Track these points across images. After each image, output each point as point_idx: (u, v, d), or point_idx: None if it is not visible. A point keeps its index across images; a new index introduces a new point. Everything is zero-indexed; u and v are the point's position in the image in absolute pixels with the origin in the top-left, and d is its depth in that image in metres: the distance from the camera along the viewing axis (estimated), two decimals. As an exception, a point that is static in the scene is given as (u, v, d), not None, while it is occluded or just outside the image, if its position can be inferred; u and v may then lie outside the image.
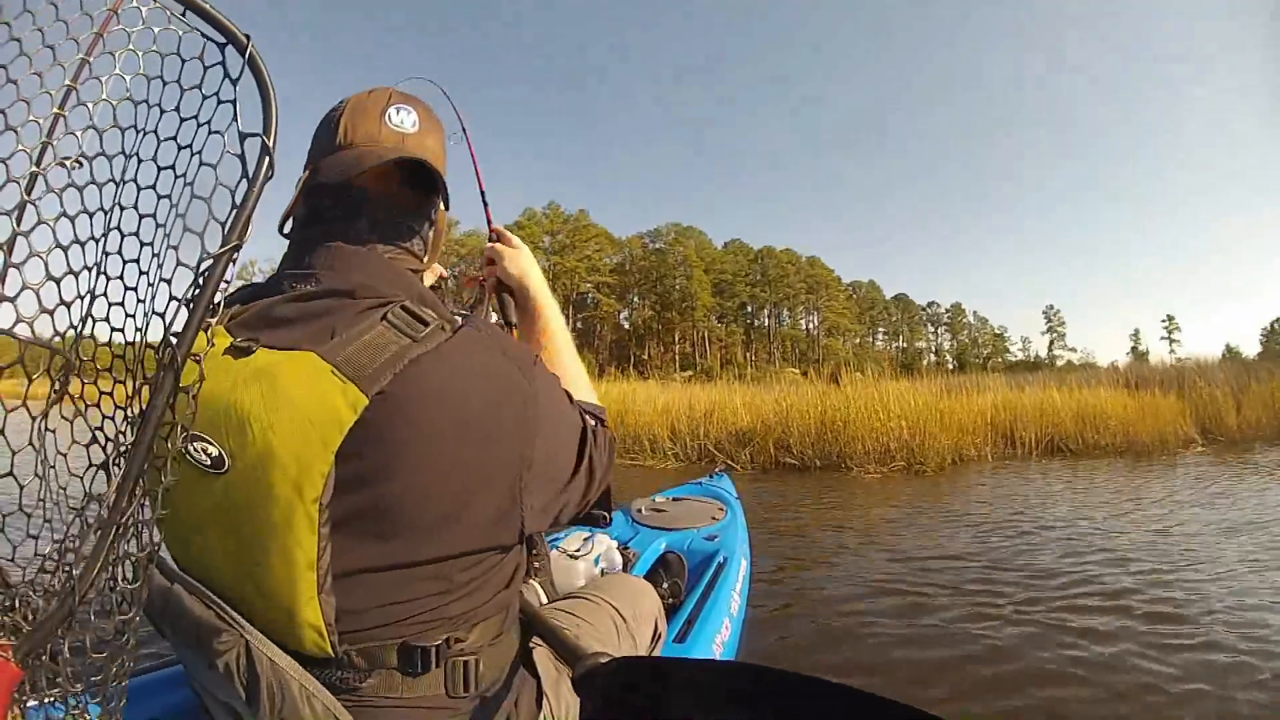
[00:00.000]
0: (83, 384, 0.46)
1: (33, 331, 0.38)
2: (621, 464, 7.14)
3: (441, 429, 0.54)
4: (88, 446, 0.48)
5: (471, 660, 0.61)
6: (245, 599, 0.56)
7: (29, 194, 0.39)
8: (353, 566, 0.55)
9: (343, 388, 0.52)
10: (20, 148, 0.39)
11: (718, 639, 1.40)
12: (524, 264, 0.96)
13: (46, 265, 0.39)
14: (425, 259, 0.73)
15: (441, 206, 0.74)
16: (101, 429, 0.48)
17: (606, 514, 0.78)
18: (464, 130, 1.05)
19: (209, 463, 0.53)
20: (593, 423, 0.73)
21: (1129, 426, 7.80)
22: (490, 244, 1.00)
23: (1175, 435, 7.84)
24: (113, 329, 0.48)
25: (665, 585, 1.60)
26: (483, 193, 1.12)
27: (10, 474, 0.45)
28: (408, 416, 0.53)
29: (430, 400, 0.54)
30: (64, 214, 0.41)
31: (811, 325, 70.46)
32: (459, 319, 0.61)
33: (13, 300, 0.36)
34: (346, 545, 0.54)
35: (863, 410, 6.86)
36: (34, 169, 0.39)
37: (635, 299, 65.16)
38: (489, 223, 1.06)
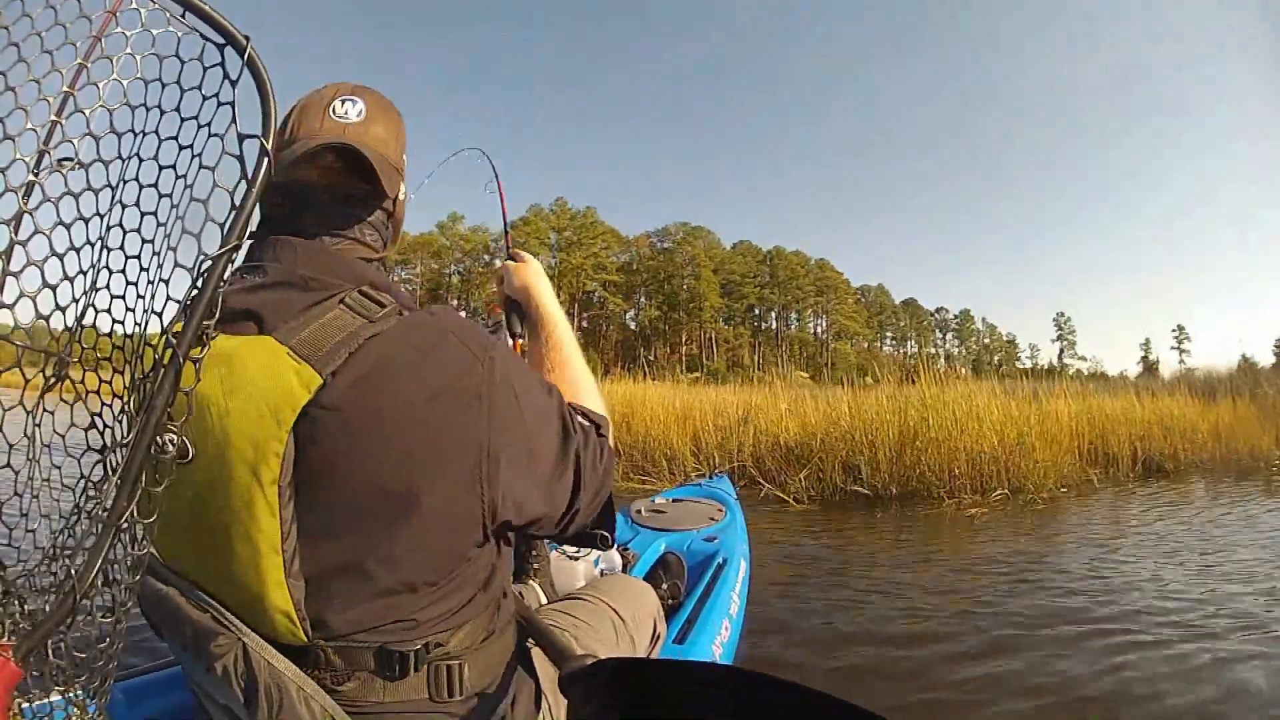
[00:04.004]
0: (80, 379, 0.46)
1: (29, 336, 0.38)
2: (629, 485, 5.59)
3: (392, 412, 0.54)
4: (84, 451, 0.48)
5: (456, 664, 0.61)
6: (218, 588, 0.57)
7: (26, 202, 0.39)
8: (320, 557, 0.55)
9: (297, 368, 0.53)
10: (18, 156, 0.40)
11: (717, 640, 1.40)
12: (527, 276, 0.96)
13: (43, 274, 0.39)
14: (383, 245, 0.72)
15: (399, 192, 0.71)
16: (97, 423, 0.49)
17: (607, 535, 0.73)
18: (496, 178, 1.33)
19: (174, 453, 0.54)
20: (584, 423, 0.70)
21: (1224, 441, 7.07)
22: (504, 264, 1.01)
23: (1274, 448, 7.12)
24: (112, 323, 0.49)
25: (664, 586, 1.60)
26: (505, 223, 1.29)
27: (8, 465, 0.46)
28: (361, 398, 0.53)
29: (382, 382, 0.54)
30: (60, 223, 0.42)
31: (820, 329, 70.20)
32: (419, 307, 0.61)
33: (10, 307, 0.36)
34: (312, 534, 0.54)
35: (954, 421, 5.17)
36: (31, 177, 0.40)
37: (642, 299, 65.09)
38: (507, 248, 1.10)
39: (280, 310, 0.57)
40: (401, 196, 0.73)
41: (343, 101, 0.66)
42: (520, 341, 1.05)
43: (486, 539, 0.61)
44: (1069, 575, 3.06)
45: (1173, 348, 67.09)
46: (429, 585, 0.58)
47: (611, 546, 0.75)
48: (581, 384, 0.83)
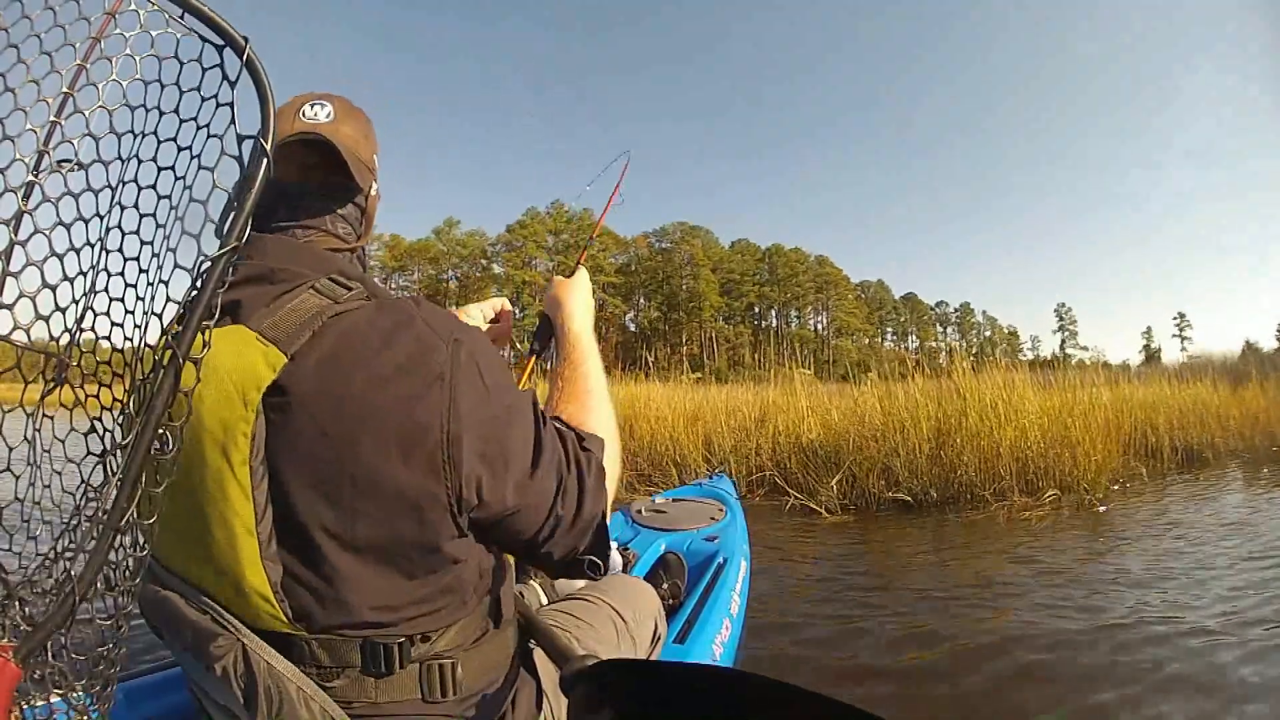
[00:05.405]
0: (78, 383, 0.47)
1: (29, 337, 0.38)
2: (633, 498, 4.35)
3: (354, 391, 0.54)
4: (84, 455, 0.48)
5: (448, 664, 0.60)
6: (201, 574, 0.57)
7: (26, 202, 0.39)
8: (295, 540, 0.55)
9: (265, 350, 0.54)
10: (17, 157, 0.40)
11: (718, 639, 1.40)
12: (561, 290, 0.96)
13: (43, 274, 0.39)
14: (355, 238, 0.74)
15: (371, 187, 0.74)
16: (97, 427, 0.49)
17: (599, 562, 0.67)
18: (618, 184, 1.32)
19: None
20: (561, 428, 0.68)
21: (1260, 427, 7.00)
22: (555, 275, 1.02)
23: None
24: (111, 324, 0.49)
25: (665, 586, 1.60)
26: (594, 233, 1.41)
27: (8, 469, 0.46)
28: (325, 377, 0.54)
29: (345, 361, 0.55)
30: (60, 223, 0.41)
31: (820, 325, 70.14)
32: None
33: (10, 308, 0.36)
34: (285, 517, 0.55)
35: (994, 415, 4.67)
36: (31, 178, 0.40)
37: (641, 300, 65.07)
38: (578, 260, 1.09)
39: (252, 302, 0.59)
40: (373, 193, 0.76)
41: (312, 105, 0.69)
42: (533, 359, 1.03)
43: (461, 532, 0.59)
44: (1150, 588, 2.63)
45: (1174, 335, 67.14)
46: (407, 578, 0.57)
47: (605, 574, 0.69)
48: (590, 411, 0.78)
